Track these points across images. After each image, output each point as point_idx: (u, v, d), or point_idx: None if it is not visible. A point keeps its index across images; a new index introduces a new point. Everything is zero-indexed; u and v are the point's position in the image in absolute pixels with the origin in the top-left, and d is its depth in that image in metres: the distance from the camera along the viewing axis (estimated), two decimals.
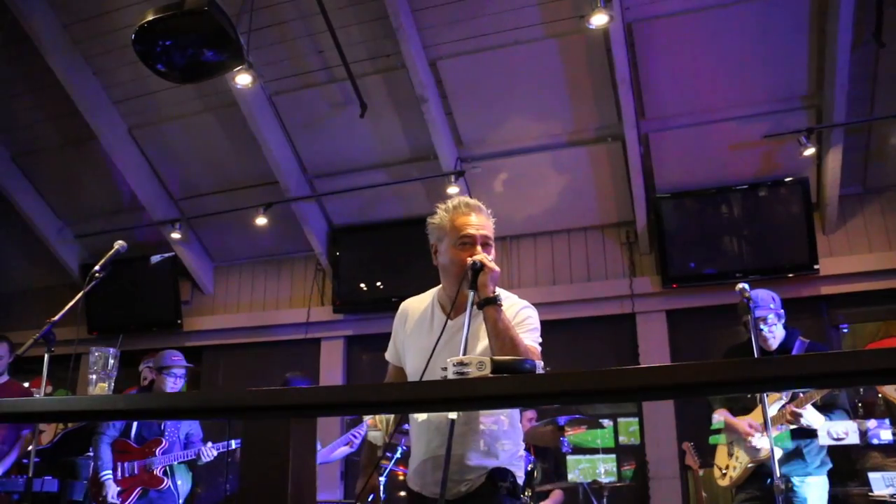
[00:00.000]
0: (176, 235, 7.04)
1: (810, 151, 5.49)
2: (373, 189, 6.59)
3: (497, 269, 2.33)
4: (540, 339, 2.49)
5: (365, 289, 6.93)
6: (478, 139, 6.22)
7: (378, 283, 6.90)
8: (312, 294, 7.23)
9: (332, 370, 6.99)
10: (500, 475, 2.40)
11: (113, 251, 3.43)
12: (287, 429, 1.64)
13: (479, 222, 2.45)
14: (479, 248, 2.39)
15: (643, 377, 1.49)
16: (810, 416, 3.43)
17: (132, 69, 6.21)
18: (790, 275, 5.78)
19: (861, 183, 5.98)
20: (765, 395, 3.13)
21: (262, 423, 1.69)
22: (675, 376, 1.46)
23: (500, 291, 2.61)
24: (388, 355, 2.74)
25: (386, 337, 7.75)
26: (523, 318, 2.48)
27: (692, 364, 1.36)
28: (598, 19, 4.67)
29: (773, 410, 3.51)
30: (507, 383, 1.70)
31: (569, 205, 6.38)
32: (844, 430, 3.58)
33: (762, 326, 3.50)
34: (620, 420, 6.34)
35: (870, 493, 4.38)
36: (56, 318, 3.25)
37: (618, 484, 5.40)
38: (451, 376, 1.89)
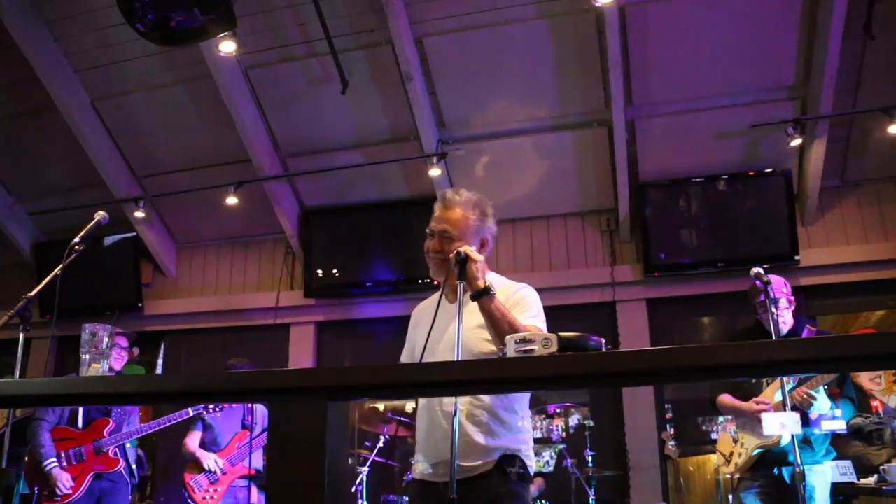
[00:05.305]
0: (139, 214, 6.69)
1: (797, 142, 5.50)
2: (349, 170, 6.36)
3: (480, 258, 2.33)
4: (543, 319, 2.46)
5: (337, 273, 6.70)
6: (461, 120, 6.05)
7: (351, 268, 6.67)
8: (282, 278, 6.96)
9: (302, 357, 6.75)
10: (508, 461, 2.33)
11: (94, 222, 3.18)
12: (323, 412, 1.47)
13: (440, 215, 2.50)
14: (435, 241, 2.46)
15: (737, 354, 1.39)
16: (821, 401, 3.38)
17: (97, 36, 5.85)
18: (766, 265, 5.75)
19: (839, 176, 6.02)
20: (783, 378, 3.06)
21: (294, 405, 1.52)
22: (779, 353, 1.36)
23: (493, 276, 2.55)
24: (403, 358, 2.70)
25: (359, 323, 7.46)
26: (520, 299, 2.46)
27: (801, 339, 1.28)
28: None
29: (778, 396, 3.46)
30: (590, 362, 1.56)
31: (550, 190, 6.27)
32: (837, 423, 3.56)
33: (773, 310, 3.44)
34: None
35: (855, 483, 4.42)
36: (33, 293, 2.99)
37: (604, 474, 5.34)
38: (511, 355, 1.75)
